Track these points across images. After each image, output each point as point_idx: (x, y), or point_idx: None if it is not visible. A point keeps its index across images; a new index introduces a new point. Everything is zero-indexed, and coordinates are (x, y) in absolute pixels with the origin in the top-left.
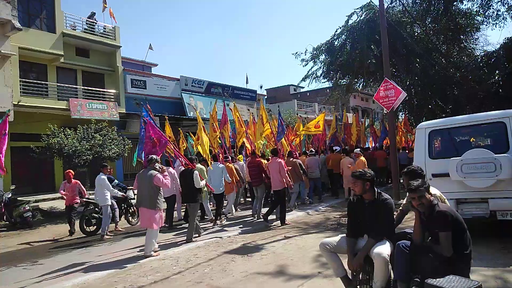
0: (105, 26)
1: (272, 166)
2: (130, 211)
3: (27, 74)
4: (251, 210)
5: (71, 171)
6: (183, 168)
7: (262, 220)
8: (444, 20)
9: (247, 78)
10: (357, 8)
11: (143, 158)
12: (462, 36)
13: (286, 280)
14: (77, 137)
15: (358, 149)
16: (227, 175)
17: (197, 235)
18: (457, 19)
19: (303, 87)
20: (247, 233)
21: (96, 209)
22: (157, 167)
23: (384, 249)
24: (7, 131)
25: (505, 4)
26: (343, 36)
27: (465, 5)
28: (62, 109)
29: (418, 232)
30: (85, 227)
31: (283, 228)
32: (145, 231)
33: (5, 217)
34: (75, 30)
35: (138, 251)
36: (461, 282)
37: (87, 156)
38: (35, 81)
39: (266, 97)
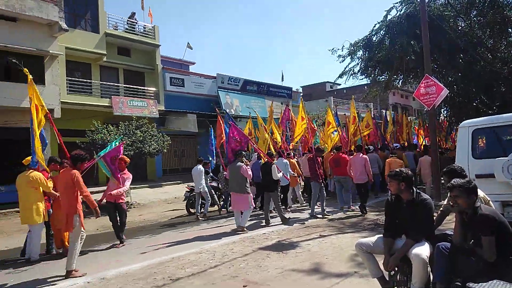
0: (145, 25)
1: (357, 161)
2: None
3: (72, 73)
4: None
5: (125, 157)
6: (262, 162)
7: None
8: (490, 13)
9: (282, 75)
10: (397, 3)
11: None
12: (510, 30)
13: (321, 278)
14: (119, 133)
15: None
16: (290, 169)
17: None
18: (505, 11)
19: (339, 84)
20: (282, 230)
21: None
22: (243, 160)
23: (423, 250)
24: (121, 153)
25: None
26: (381, 31)
27: None
28: (104, 106)
29: (459, 233)
30: (190, 208)
31: (318, 227)
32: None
33: None
34: (117, 30)
35: (165, 246)
36: None
37: (129, 152)
38: (80, 79)
39: (301, 94)
